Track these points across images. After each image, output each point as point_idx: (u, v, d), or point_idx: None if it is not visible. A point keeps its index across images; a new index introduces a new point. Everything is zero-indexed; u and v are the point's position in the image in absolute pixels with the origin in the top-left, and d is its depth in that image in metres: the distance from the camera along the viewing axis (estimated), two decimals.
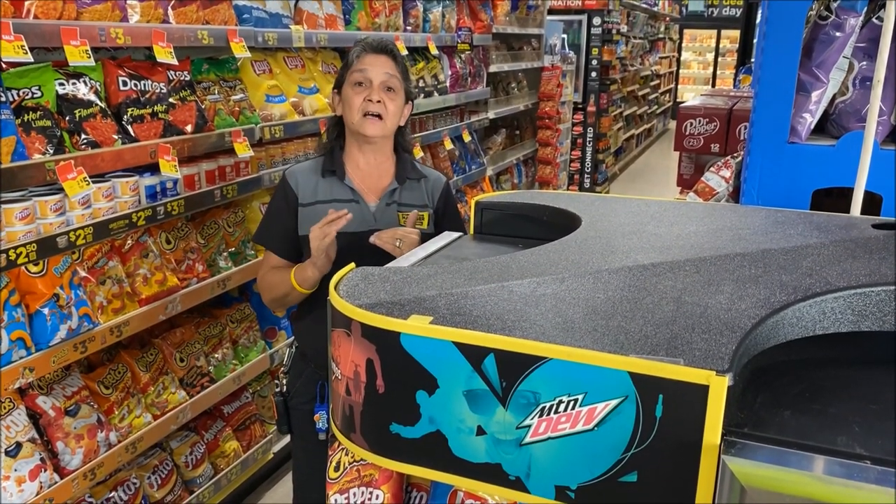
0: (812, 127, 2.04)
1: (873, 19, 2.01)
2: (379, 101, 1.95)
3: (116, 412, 2.44)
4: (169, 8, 2.48)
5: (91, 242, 2.24)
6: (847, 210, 1.82)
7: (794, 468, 0.80)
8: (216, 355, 2.96)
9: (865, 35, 2.02)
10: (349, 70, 1.99)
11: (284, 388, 2.12)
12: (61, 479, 2.18)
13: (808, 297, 1.04)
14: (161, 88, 2.50)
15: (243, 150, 2.75)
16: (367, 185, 2.05)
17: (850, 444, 0.84)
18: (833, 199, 2.20)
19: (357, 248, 1.89)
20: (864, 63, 2.02)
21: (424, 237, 2.00)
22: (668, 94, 16.85)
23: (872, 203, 1.93)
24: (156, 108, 2.47)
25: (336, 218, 1.81)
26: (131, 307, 2.44)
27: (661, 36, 14.77)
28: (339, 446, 1.28)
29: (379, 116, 1.96)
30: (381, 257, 1.76)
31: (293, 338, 2.17)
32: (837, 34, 1.95)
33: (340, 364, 1.06)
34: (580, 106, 8.68)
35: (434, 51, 4.39)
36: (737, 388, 0.86)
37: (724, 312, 0.99)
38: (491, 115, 5.61)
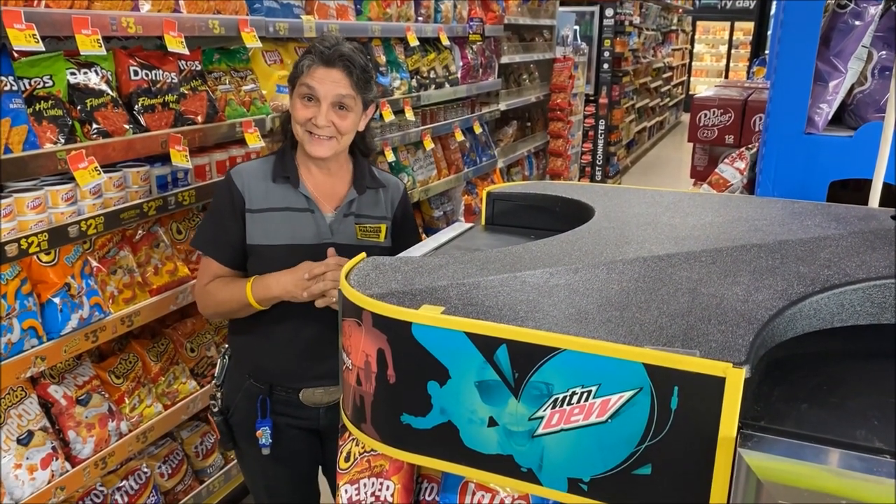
0: (829, 117, 2.01)
1: (893, 7, 1.98)
2: (328, 125, 1.78)
3: (127, 401, 2.45)
4: None
5: (102, 232, 2.25)
6: (864, 202, 1.79)
7: (812, 462, 0.79)
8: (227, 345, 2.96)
9: (885, 24, 1.98)
10: (298, 78, 1.81)
11: (220, 403, 2.00)
12: (73, 467, 2.20)
13: (827, 288, 1.02)
14: (172, 78, 2.50)
15: (254, 141, 2.74)
16: (323, 193, 1.91)
17: (869, 438, 0.82)
18: (849, 191, 2.17)
19: (312, 261, 1.80)
20: (884, 52, 1.99)
21: (381, 250, 1.93)
22: (680, 87, 16.75)
23: (889, 195, 1.91)
24: (167, 97, 2.46)
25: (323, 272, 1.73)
26: (142, 297, 2.45)
27: (673, 28, 14.67)
28: (349, 436, 1.27)
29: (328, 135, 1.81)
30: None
31: (226, 348, 2.07)
32: (856, 23, 1.92)
33: (351, 354, 1.05)
34: (592, 98, 8.63)
35: (445, 42, 4.37)
36: (753, 380, 0.84)
37: (741, 304, 0.97)
38: (502, 106, 5.58)
